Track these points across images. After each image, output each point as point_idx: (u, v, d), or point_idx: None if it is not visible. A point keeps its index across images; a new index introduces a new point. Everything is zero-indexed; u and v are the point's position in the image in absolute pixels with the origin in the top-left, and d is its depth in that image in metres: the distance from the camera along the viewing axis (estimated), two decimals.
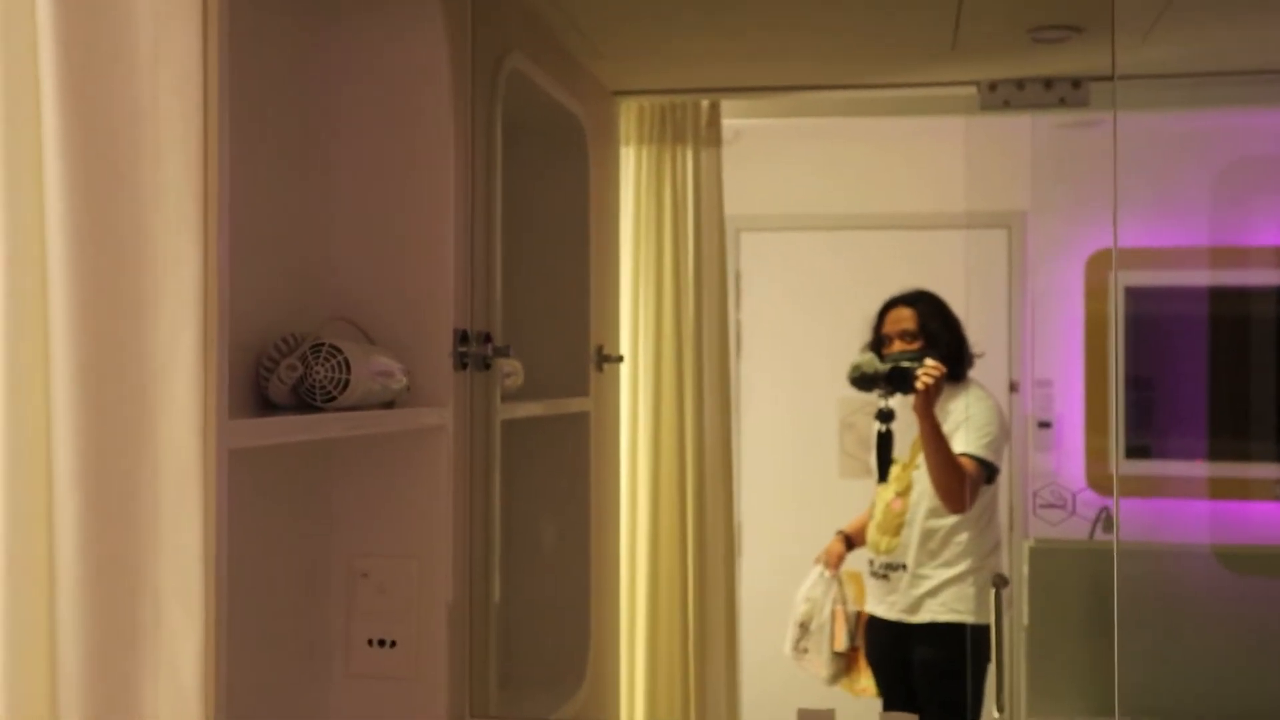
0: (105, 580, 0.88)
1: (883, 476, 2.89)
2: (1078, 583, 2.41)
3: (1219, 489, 3.08)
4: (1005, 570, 2.82)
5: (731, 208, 3.19)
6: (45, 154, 0.96)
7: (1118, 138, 2.05)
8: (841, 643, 2.99)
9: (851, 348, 3.01)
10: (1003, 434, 2.87)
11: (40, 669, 0.92)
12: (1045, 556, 2.54)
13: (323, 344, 1.50)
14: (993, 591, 2.51)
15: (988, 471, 2.79)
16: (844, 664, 3.01)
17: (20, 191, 0.97)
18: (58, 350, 0.94)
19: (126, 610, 0.89)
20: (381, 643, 1.70)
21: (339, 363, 1.49)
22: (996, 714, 2.54)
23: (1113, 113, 2.03)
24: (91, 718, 0.89)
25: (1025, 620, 2.52)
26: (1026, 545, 2.60)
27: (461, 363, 1.77)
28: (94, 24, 0.96)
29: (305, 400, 1.49)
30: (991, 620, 2.50)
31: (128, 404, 0.91)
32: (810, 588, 3.06)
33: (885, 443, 2.85)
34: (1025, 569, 2.53)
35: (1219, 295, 3.17)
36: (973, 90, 2.53)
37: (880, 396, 2.83)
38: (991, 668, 2.59)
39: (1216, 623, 2.43)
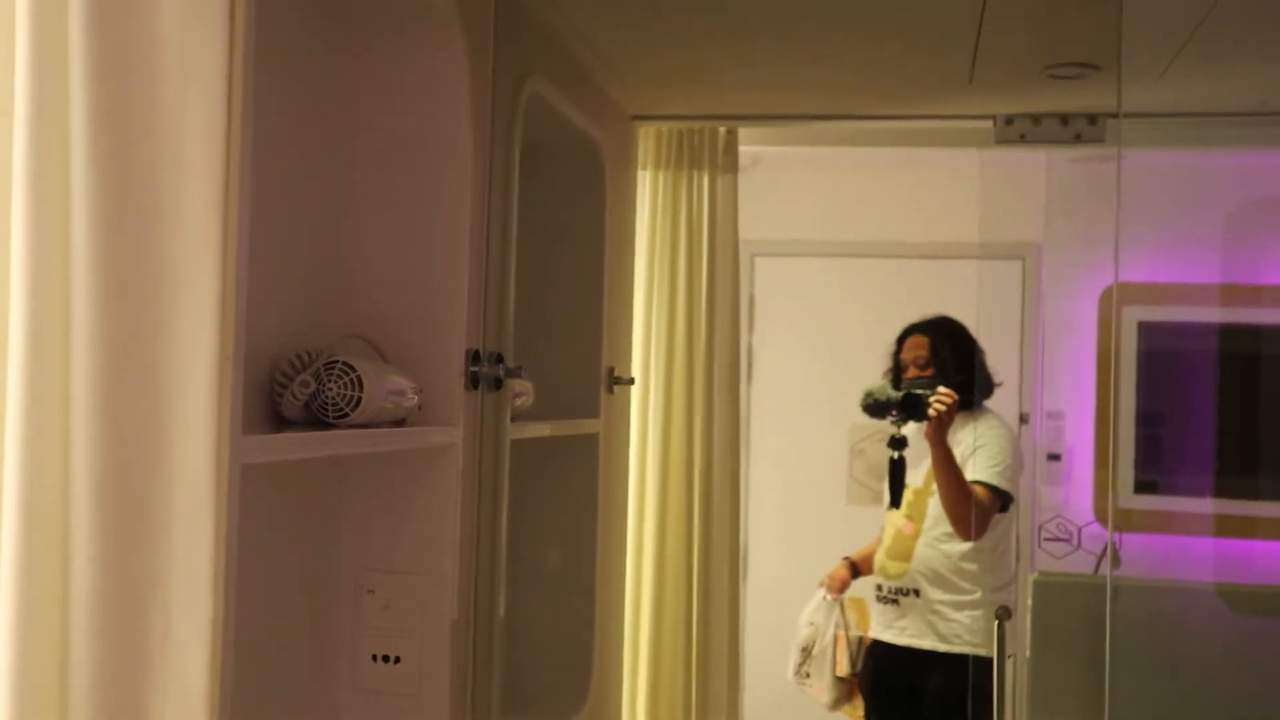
0: (117, 594, 0.89)
1: (895, 503, 2.85)
2: (1081, 617, 2.41)
3: (1226, 527, 3.07)
4: (1013, 604, 2.80)
5: (747, 232, 3.20)
6: (73, 170, 0.97)
7: (1130, 174, 2.07)
8: (843, 668, 2.99)
9: (863, 374, 3.00)
10: (1016, 462, 2.84)
11: (51, 682, 0.93)
12: (1049, 590, 2.53)
13: (336, 361, 1.51)
14: (995, 623, 2.50)
15: (1001, 499, 2.77)
16: (846, 689, 3.00)
17: (46, 205, 0.98)
18: (77, 365, 0.95)
19: (136, 625, 0.90)
20: (386, 658, 1.71)
21: (352, 380, 1.51)
22: None
23: (1121, 149, 2.05)
24: None
25: (1028, 653, 2.51)
26: (1031, 578, 2.59)
27: (473, 382, 1.78)
28: (121, 37, 0.97)
29: (318, 416, 1.51)
30: (994, 652, 2.50)
31: (144, 420, 0.92)
32: (813, 611, 3.05)
33: (898, 469, 2.82)
34: (1029, 601, 2.53)
35: (1230, 332, 3.17)
36: (989, 123, 2.55)
37: (893, 423, 2.81)
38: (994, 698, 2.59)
39: (1217, 662, 2.43)
